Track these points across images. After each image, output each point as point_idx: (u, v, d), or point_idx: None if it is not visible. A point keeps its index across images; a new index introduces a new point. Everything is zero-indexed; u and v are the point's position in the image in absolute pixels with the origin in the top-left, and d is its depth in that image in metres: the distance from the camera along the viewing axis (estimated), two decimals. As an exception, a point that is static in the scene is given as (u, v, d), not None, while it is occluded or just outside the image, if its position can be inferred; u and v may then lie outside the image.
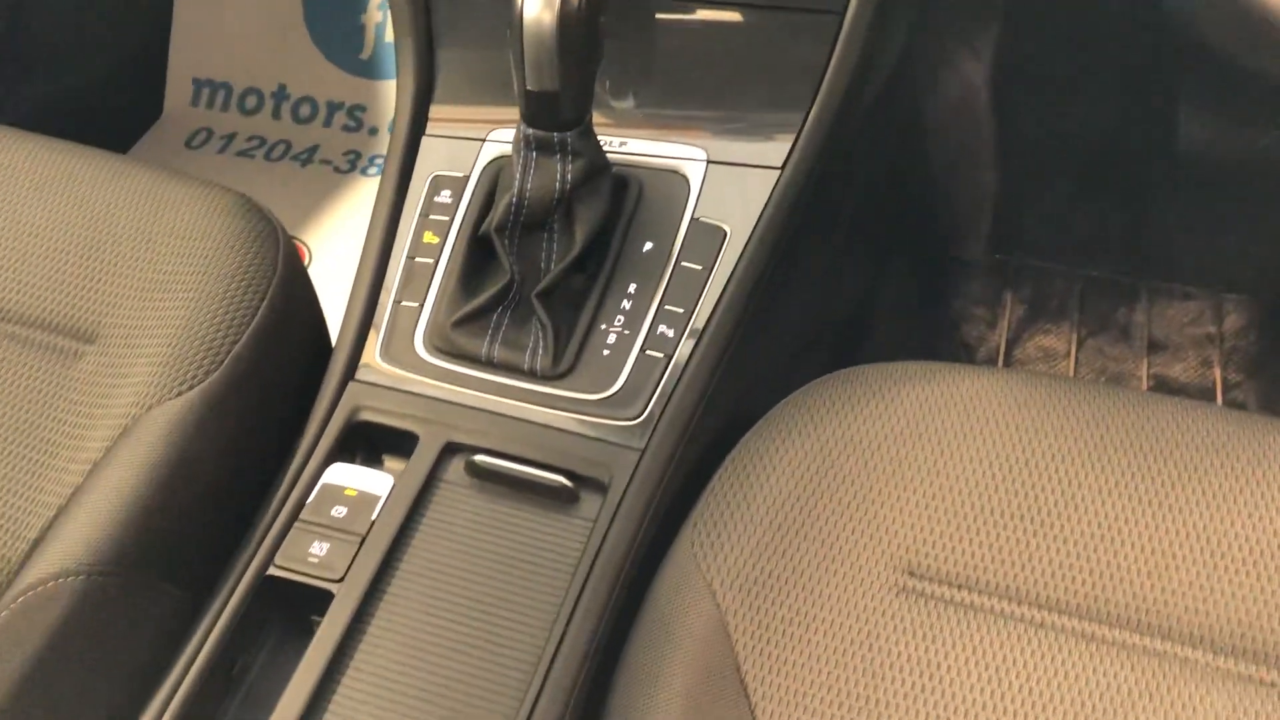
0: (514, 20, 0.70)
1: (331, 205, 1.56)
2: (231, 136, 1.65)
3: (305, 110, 1.65)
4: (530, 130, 0.75)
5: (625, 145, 0.84)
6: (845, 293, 1.13)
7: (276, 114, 1.65)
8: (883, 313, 1.23)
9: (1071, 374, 1.29)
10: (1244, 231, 1.30)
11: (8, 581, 0.66)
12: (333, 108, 1.64)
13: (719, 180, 0.81)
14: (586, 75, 0.74)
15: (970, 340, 1.32)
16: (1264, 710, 0.60)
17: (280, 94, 1.65)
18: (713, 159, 0.82)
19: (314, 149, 1.62)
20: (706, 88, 0.85)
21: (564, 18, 0.70)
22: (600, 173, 0.78)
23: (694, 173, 0.82)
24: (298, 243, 1.49)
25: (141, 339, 0.75)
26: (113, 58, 1.62)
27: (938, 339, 1.32)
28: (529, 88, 0.72)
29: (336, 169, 1.60)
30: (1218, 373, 1.27)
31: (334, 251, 1.50)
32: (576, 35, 0.71)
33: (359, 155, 1.61)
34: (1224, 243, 1.32)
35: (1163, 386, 1.27)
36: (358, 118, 1.63)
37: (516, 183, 0.75)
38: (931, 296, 1.35)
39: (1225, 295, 1.32)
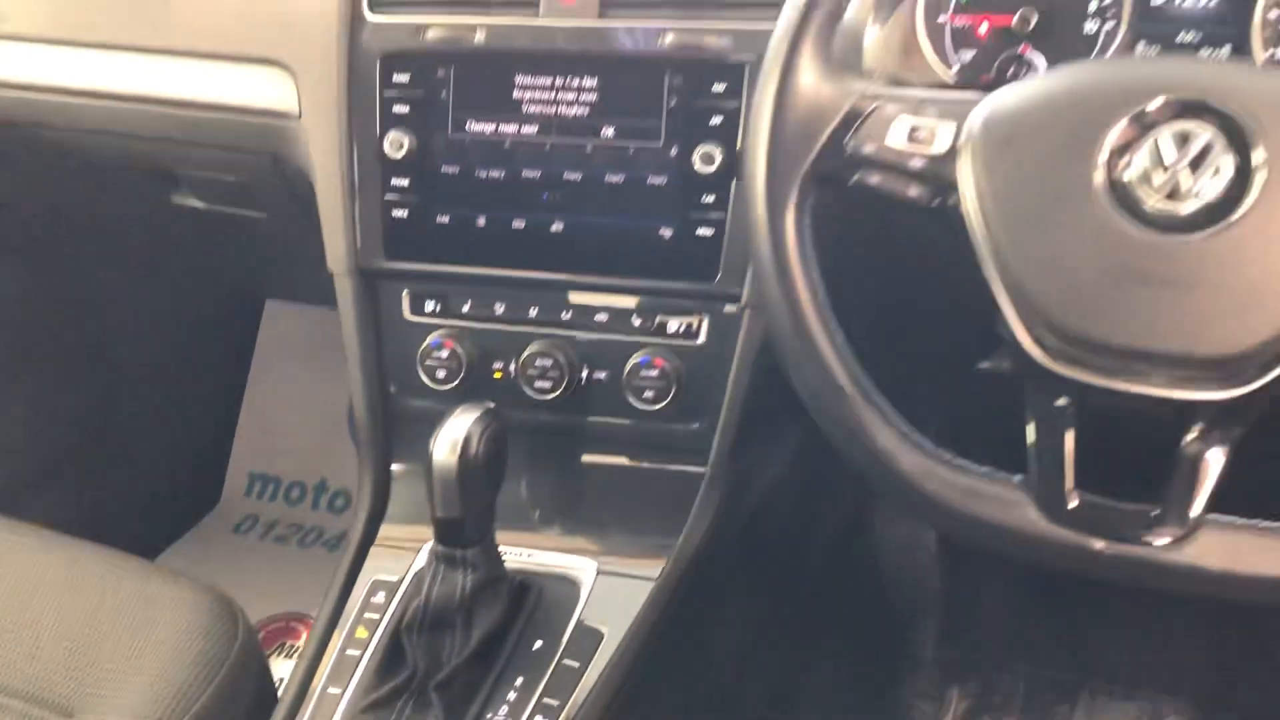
0: (426, 460, 0.89)
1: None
2: (274, 524, 1.86)
3: (340, 501, 1.86)
4: (439, 547, 0.91)
5: (531, 555, 1.00)
6: (758, 684, 1.23)
7: (316, 505, 1.88)
8: (815, 702, 1.31)
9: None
10: (1179, 638, 1.38)
11: None
12: (364, 500, 1.86)
13: (606, 588, 0.96)
14: (486, 504, 0.91)
15: (911, 734, 1.38)
16: None
17: (321, 487, 1.88)
18: (602, 570, 0.98)
19: (342, 535, 1.82)
20: (603, 507, 1.02)
21: (464, 460, 0.88)
22: (498, 582, 0.93)
23: (586, 580, 0.97)
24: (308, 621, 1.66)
25: (109, 716, 0.90)
26: (183, 452, 1.88)
27: (877, 732, 1.38)
28: (438, 514, 0.89)
29: (360, 554, 1.79)
30: (1154, 775, 1.31)
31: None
32: (475, 474, 0.88)
33: (380, 543, 1.80)
34: (1161, 647, 1.39)
35: (1099, 789, 1.30)
36: (384, 509, 1.84)
37: (424, 590, 0.91)
38: (872, 688, 1.42)
39: (1163, 698, 1.37)
